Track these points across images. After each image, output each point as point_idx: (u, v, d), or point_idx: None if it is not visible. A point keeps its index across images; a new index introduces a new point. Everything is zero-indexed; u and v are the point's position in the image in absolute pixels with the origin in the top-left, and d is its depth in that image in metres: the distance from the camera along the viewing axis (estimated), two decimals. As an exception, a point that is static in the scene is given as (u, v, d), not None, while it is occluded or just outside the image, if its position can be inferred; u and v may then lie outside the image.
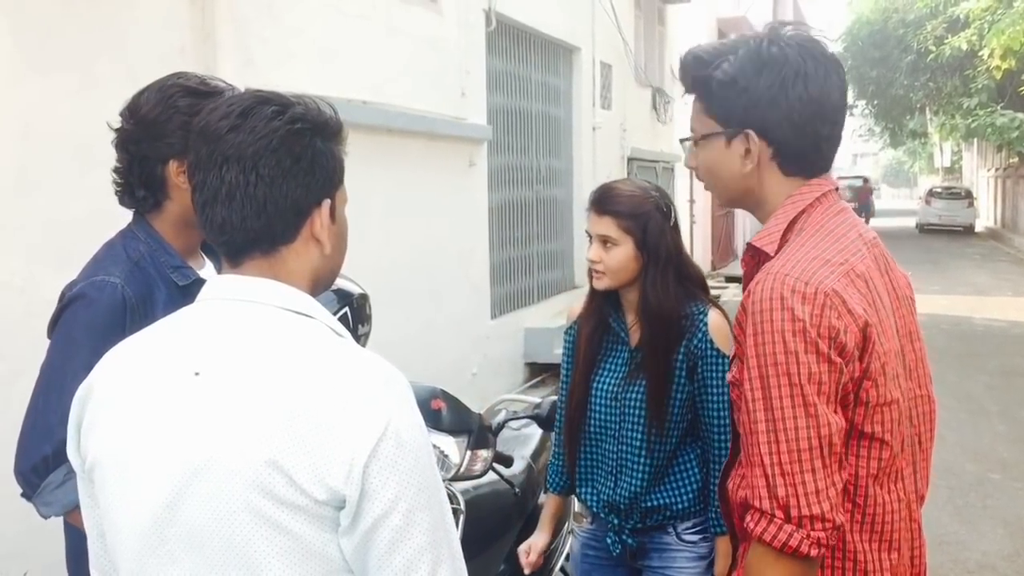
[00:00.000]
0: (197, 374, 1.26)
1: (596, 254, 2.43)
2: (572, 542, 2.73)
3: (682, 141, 1.81)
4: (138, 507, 1.26)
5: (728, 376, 1.70)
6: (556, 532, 2.84)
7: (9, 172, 3.19)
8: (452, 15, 6.89)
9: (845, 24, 30.40)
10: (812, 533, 1.44)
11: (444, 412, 2.78)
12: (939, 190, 33.38)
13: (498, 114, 8.11)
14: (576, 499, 2.67)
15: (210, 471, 1.21)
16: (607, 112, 11.11)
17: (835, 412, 1.47)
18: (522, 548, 2.70)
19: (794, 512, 1.44)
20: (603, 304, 2.54)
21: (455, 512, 2.73)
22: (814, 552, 1.45)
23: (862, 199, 35.12)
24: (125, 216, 2.19)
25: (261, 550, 1.19)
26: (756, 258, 1.65)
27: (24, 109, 3.25)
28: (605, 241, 2.43)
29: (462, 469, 2.80)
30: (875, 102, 30.66)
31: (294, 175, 1.30)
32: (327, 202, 1.35)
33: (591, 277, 2.50)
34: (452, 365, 6.86)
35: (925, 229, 31.43)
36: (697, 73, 1.69)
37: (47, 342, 2.03)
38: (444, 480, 2.72)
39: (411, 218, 6.30)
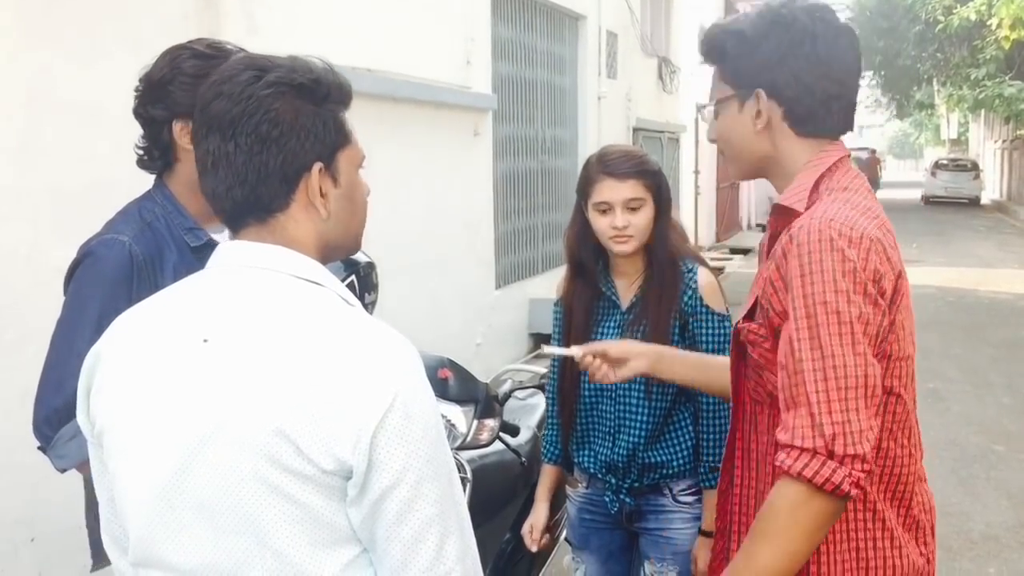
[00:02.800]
0: (206, 341, 1.25)
1: (624, 219, 2.39)
2: (568, 507, 2.74)
3: (700, 108, 1.85)
4: (147, 474, 1.26)
5: (746, 333, 1.69)
6: (557, 505, 2.85)
7: (13, 140, 3.19)
8: (457, -18, 6.84)
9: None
10: (853, 472, 1.44)
11: (451, 381, 2.78)
12: (945, 162, 33.18)
13: (503, 83, 8.06)
14: (573, 464, 2.68)
15: (218, 439, 1.21)
16: (612, 81, 11.03)
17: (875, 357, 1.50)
18: (525, 530, 2.72)
19: (839, 450, 1.44)
20: (592, 273, 2.54)
21: (462, 481, 2.73)
22: (854, 491, 1.45)
23: (870, 171, 35.02)
24: (130, 184, 2.20)
25: (270, 518, 1.19)
26: (783, 217, 1.66)
27: (28, 76, 3.24)
28: (631, 204, 2.40)
29: (469, 438, 2.80)
30: (882, 73, 30.51)
31: (275, 140, 1.26)
32: (318, 166, 1.30)
33: (606, 246, 2.47)
34: (457, 335, 6.87)
35: (931, 201, 31.31)
36: (713, 38, 1.74)
37: (53, 310, 2.08)
38: (451, 449, 2.74)
39: (416, 188, 6.28)
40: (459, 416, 2.78)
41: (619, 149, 2.50)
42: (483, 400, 2.85)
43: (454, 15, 6.81)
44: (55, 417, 1.92)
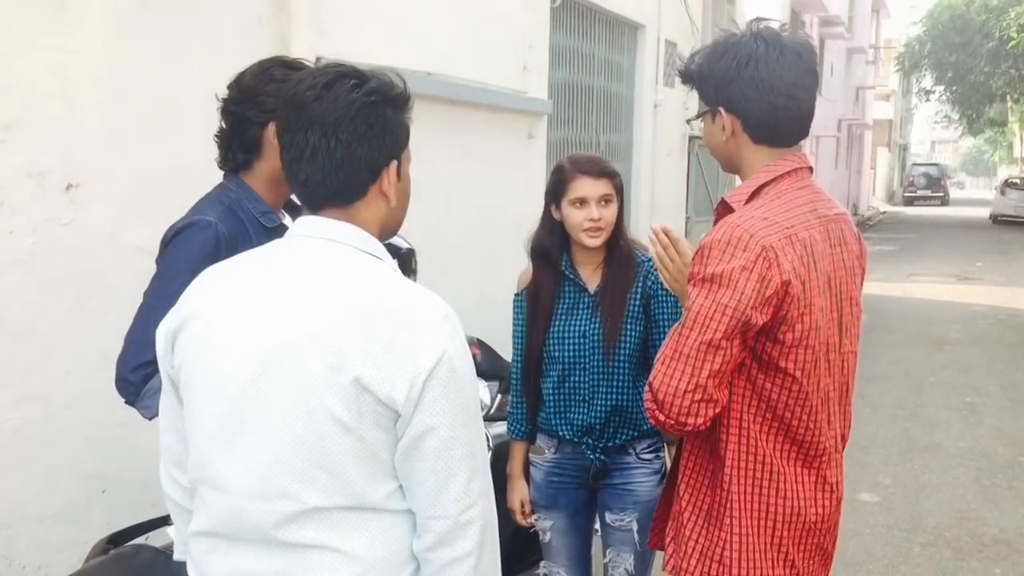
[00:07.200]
0: (284, 294, 1.51)
1: (599, 213, 2.74)
2: (533, 473, 2.94)
3: (688, 121, 2.25)
4: (218, 398, 1.51)
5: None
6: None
7: (101, 129, 3.44)
8: (518, -9, 7.08)
9: (927, 7, 29.82)
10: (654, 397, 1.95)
11: (479, 358, 3.05)
12: (1015, 180, 32.28)
13: (560, 89, 8.28)
14: (543, 434, 2.91)
15: (292, 376, 1.45)
16: (670, 90, 11.16)
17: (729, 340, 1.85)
18: (517, 508, 2.92)
19: (655, 384, 1.92)
20: (557, 262, 2.86)
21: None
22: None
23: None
24: (203, 170, 2.45)
25: (331, 448, 1.44)
26: (725, 210, 1.99)
27: (117, 73, 3.50)
28: (604, 200, 2.75)
29: (492, 411, 3.07)
30: (953, 88, 30.04)
31: (368, 140, 1.54)
32: (394, 163, 1.59)
33: (576, 239, 2.79)
34: (503, 330, 7.05)
35: (999, 220, 30.65)
36: (682, 70, 2.08)
37: (131, 282, 2.31)
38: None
39: (470, 187, 6.51)
40: (484, 390, 3.06)
41: (587, 155, 2.85)
42: (507, 377, 3.10)
43: (514, 24, 7.04)
44: (141, 370, 2.17)
